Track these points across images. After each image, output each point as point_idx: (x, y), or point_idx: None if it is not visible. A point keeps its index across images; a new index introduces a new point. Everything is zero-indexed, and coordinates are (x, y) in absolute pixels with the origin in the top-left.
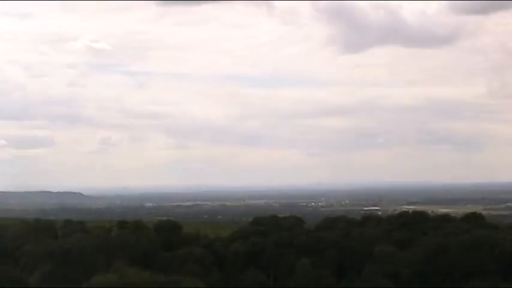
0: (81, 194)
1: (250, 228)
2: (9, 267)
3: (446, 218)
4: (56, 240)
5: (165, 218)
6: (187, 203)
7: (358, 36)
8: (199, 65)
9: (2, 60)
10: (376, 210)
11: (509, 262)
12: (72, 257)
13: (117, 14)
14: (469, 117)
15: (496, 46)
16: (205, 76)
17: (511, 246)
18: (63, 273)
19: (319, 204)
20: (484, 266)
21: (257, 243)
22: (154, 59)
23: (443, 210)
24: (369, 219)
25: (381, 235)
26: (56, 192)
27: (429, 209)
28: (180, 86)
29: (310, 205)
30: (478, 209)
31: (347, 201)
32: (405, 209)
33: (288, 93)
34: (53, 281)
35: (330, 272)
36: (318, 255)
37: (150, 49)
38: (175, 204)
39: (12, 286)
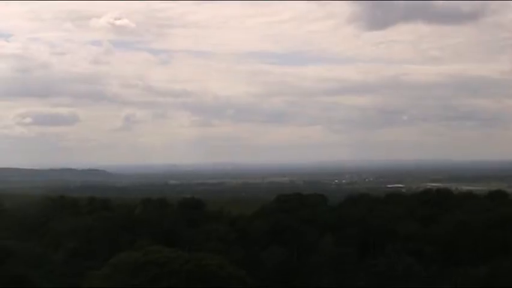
0: (105, 171)
1: (274, 205)
2: (34, 244)
3: (470, 195)
4: (80, 217)
5: (188, 196)
6: (211, 181)
7: (382, 13)
8: (221, 43)
9: (25, 39)
10: (400, 187)
11: None
12: (96, 234)
13: None
14: (493, 94)
15: None
16: (227, 53)
17: None
18: (87, 250)
19: (343, 181)
20: (508, 243)
21: (280, 220)
22: (177, 36)
23: (467, 187)
24: (393, 196)
25: (404, 213)
26: (80, 170)
27: (453, 186)
28: (202, 63)
29: (333, 182)
30: (503, 186)
31: (371, 179)
32: (429, 187)
33: (312, 70)
34: (77, 258)
35: (353, 249)
36: (341, 233)
37: (172, 27)
38: (199, 182)
39: (37, 263)
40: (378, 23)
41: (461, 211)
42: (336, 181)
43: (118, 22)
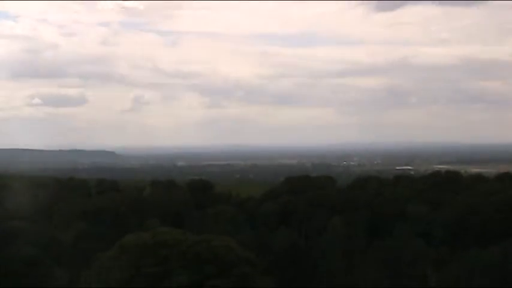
0: (114, 153)
1: (282, 187)
2: (43, 226)
3: (478, 178)
4: (89, 198)
5: (197, 178)
6: (219, 163)
7: None
8: (229, 25)
9: (34, 20)
10: (409, 169)
11: None
12: (105, 215)
13: None
14: (503, 77)
15: None
16: (236, 35)
17: None
18: (96, 231)
19: (351, 163)
20: None
21: (289, 202)
22: (185, 18)
23: (475, 170)
24: (401, 179)
25: (413, 195)
26: (89, 151)
27: (462, 168)
28: (211, 45)
29: (342, 164)
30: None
31: (379, 161)
32: (437, 169)
33: (320, 52)
34: (86, 239)
35: (361, 231)
36: (350, 215)
37: (180, 8)
38: (208, 163)
39: (46, 244)
40: (387, 4)
41: (470, 194)
42: (345, 163)
43: (126, 3)
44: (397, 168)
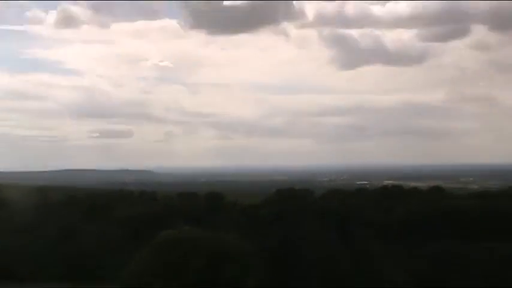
0: (151, 171)
1: (274, 197)
2: (99, 227)
3: (416, 190)
4: (134, 206)
5: (212, 190)
6: (228, 179)
7: (351, 57)
8: (236, 77)
9: (93, 75)
10: (366, 184)
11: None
12: (146, 219)
13: (177, 41)
14: (435, 116)
15: (453, 65)
16: (240, 85)
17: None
18: (139, 230)
19: (324, 179)
20: (446, 228)
21: (279, 208)
22: (204, 73)
23: (414, 184)
24: (361, 191)
25: (369, 203)
26: (133, 170)
27: (404, 183)
28: (222, 92)
29: (318, 180)
30: (439, 183)
31: (345, 177)
32: (387, 183)
33: (302, 98)
34: (131, 237)
35: (334, 233)
36: (323, 219)
37: (201, 66)
38: (220, 179)
39: (100, 240)
40: (348, 64)
41: (409, 202)
42: (320, 179)
43: (161, 63)
44: (358, 182)
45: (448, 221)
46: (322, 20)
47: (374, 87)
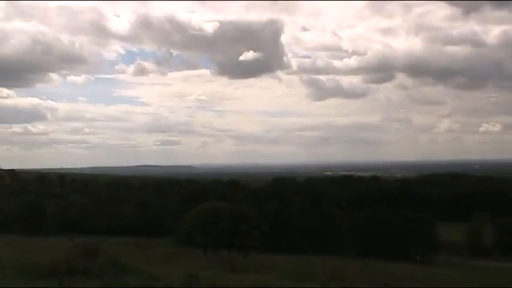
0: (193, 166)
1: (272, 183)
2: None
3: (362, 178)
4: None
5: (230, 178)
6: (246, 171)
7: (321, 93)
8: (247, 107)
9: (157, 105)
10: (330, 174)
11: None
12: (192, 196)
13: (209, 83)
14: (373, 131)
15: (384, 98)
16: (250, 112)
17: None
18: (185, 205)
19: (303, 171)
20: (384, 201)
21: (276, 190)
22: (226, 104)
23: (360, 174)
24: (327, 178)
25: (333, 186)
26: (182, 166)
27: (355, 173)
28: (238, 117)
29: (296, 172)
30: (377, 173)
31: (317, 170)
32: (346, 173)
33: (289, 120)
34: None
35: (309, 205)
36: (304, 196)
37: (224, 99)
38: (239, 171)
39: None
40: (319, 97)
41: (359, 185)
42: (300, 171)
43: (199, 97)
44: (325, 173)
45: (382, 197)
46: (302, 70)
47: (335, 112)
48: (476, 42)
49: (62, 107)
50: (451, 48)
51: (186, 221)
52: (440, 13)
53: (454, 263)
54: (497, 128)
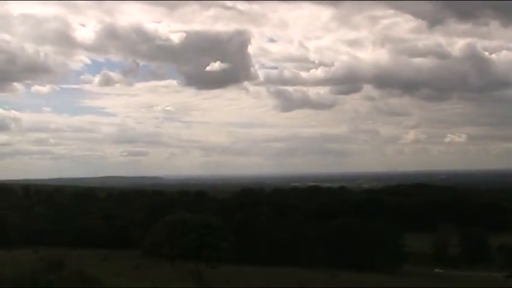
0: (161, 177)
1: (240, 193)
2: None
3: (329, 189)
4: (150, 198)
5: (198, 190)
6: (213, 182)
7: (288, 104)
8: (214, 118)
9: (123, 116)
10: (298, 185)
11: None
12: (158, 208)
13: (177, 94)
14: (340, 141)
15: (352, 109)
16: (217, 123)
17: None
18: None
19: (270, 182)
20: (350, 212)
21: (243, 201)
22: (194, 115)
23: (327, 185)
24: (294, 189)
25: (299, 196)
26: (149, 177)
27: (321, 184)
28: (205, 128)
29: (264, 183)
30: (344, 184)
31: (283, 181)
32: (313, 184)
33: (256, 131)
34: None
35: (275, 215)
36: (270, 207)
37: (192, 110)
38: (205, 182)
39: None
40: (286, 108)
41: (325, 196)
42: (267, 183)
43: (167, 108)
44: (292, 184)
45: (349, 207)
46: (269, 81)
47: (302, 123)
48: (441, 54)
49: (26, 117)
50: (417, 60)
51: (153, 232)
52: (406, 25)
53: (420, 272)
54: (463, 138)
